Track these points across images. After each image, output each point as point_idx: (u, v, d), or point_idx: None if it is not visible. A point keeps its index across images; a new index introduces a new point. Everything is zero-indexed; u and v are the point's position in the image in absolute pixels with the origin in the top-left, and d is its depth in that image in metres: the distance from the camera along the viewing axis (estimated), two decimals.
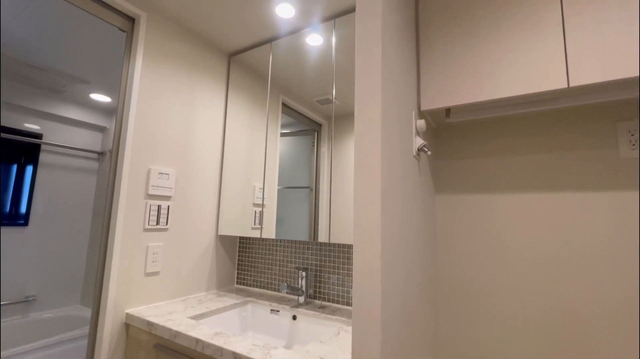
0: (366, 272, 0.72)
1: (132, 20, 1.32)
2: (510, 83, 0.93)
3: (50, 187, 2.33)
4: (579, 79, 0.84)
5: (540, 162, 1.11)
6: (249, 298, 1.44)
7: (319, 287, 1.43)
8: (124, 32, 1.30)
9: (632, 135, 0.97)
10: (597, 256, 0.99)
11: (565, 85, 0.85)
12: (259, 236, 1.44)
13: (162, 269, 1.33)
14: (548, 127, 1.11)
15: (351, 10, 1.33)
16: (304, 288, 1.37)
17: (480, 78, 0.98)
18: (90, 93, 2.30)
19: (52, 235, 2.33)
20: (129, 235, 1.22)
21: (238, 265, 1.72)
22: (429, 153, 1.02)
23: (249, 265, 1.68)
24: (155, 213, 1.31)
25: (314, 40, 1.39)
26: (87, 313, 2.30)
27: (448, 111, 1.14)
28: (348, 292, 1.36)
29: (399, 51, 0.93)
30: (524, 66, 0.92)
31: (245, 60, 1.64)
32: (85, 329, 2.01)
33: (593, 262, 1.00)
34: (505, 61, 0.95)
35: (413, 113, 1.02)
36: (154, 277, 1.30)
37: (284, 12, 1.35)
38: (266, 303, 1.39)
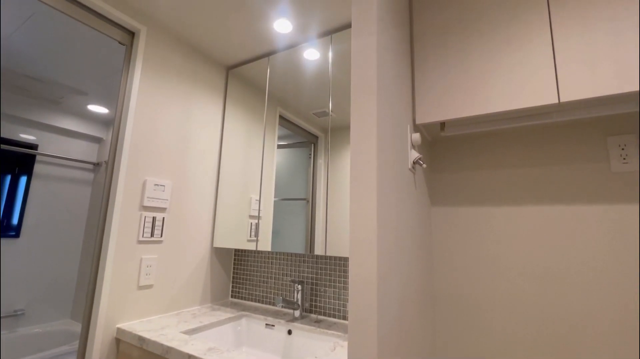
0: (362, 285, 0.72)
1: (132, 34, 1.33)
2: (502, 98, 0.95)
3: (44, 198, 2.31)
4: (569, 95, 0.86)
5: (534, 175, 1.12)
6: (244, 312, 1.42)
7: (315, 301, 1.41)
8: (124, 45, 1.32)
9: (623, 149, 0.99)
10: (591, 269, 1.00)
11: (556, 101, 0.87)
12: (254, 248, 1.42)
13: (156, 282, 1.31)
14: (541, 140, 1.13)
15: (347, 26, 1.36)
16: (299, 302, 1.35)
17: (473, 93, 1.00)
18: (87, 104, 2.31)
19: (44, 247, 2.29)
20: (123, 247, 1.21)
21: (233, 278, 1.69)
22: (425, 166, 1.03)
23: (244, 278, 1.65)
24: (150, 225, 1.29)
25: (311, 54, 1.42)
26: (77, 327, 2.24)
27: (443, 125, 1.16)
28: (344, 306, 1.34)
29: (394, 66, 0.95)
30: (516, 82, 0.94)
31: (243, 73, 1.66)
32: (75, 345, 1.96)
33: (587, 275, 1.00)
34: (496, 76, 0.97)
35: (408, 126, 1.03)
36: (147, 290, 1.27)
37: (282, 27, 1.38)
38: (261, 317, 1.37)
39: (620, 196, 0.99)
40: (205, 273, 1.54)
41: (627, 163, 0.98)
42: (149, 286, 1.28)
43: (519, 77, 0.94)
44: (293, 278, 1.50)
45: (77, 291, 2.42)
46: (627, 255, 0.96)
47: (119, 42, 1.30)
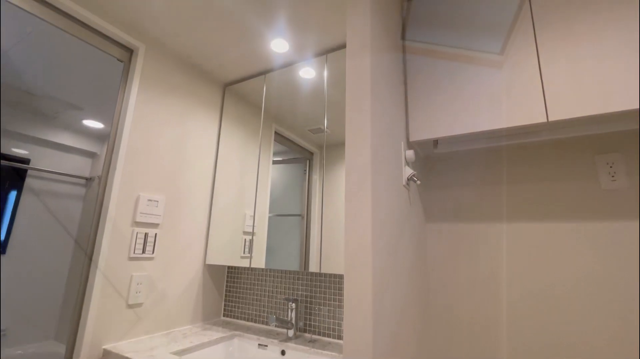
0: (357, 304, 0.71)
1: (130, 51, 1.36)
2: (492, 117, 0.98)
3: (34, 214, 2.26)
4: (558, 114, 0.89)
5: (527, 192, 1.14)
6: (236, 332, 1.38)
7: (310, 319, 1.38)
8: (122, 62, 1.33)
9: (611, 167, 1.02)
10: (584, 285, 1.00)
11: (545, 120, 0.90)
12: (248, 265, 1.40)
13: (146, 300, 1.27)
14: (533, 158, 1.15)
15: (342, 46, 1.40)
16: (293, 321, 1.32)
17: (464, 112, 1.03)
18: (82, 119, 2.31)
19: (30, 264, 2.23)
20: (113, 263, 1.18)
21: (225, 296, 1.66)
22: (419, 182, 1.04)
23: (237, 296, 1.62)
24: (142, 241, 1.27)
25: (307, 73, 1.45)
26: (62, 349, 2.15)
27: (436, 142, 1.18)
28: (339, 325, 1.31)
29: (387, 85, 0.97)
30: (505, 101, 0.97)
31: (239, 90, 1.69)
32: None
33: (580, 291, 1.00)
34: (486, 95, 1.00)
35: (402, 144, 1.05)
36: (137, 309, 1.24)
37: (279, 46, 1.42)
38: (254, 336, 1.33)
39: (611, 213, 1.00)
40: (197, 291, 1.50)
41: (615, 180, 1.00)
42: (139, 305, 1.25)
43: (509, 97, 0.97)
44: (287, 296, 1.47)
45: (62, 310, 2.34)
46: (620, 271, 0.96)
47: (117, 59, 1.32)
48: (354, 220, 0.76)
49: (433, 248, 1.27)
